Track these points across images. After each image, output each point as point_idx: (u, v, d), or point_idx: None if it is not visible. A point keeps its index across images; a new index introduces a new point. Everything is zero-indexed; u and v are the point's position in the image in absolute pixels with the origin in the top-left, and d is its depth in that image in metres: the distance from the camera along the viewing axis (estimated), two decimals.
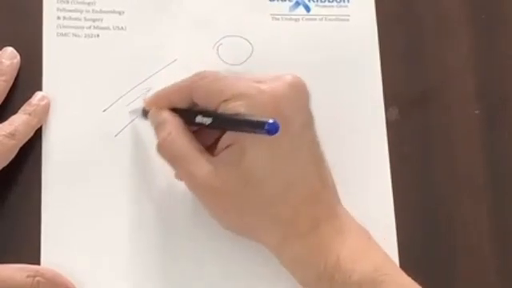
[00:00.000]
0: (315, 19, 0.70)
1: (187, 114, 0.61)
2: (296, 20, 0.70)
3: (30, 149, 0.64)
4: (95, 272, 0.63)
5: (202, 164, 0.58)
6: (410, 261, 0.63)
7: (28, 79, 0.66)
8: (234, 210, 0.59)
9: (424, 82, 0.70)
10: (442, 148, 0.68)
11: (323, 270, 0.57)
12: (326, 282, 0.57)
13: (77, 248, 0.63)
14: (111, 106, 0.66)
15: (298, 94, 0.59)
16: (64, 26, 0.67)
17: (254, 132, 0.55)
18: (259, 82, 0.58)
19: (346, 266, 0.56)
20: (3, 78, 0.65)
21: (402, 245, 0.65)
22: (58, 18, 0.67)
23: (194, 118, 0.60)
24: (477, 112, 0.69)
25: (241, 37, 0.69)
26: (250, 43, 0.69)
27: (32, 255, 0.62)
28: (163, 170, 0.63)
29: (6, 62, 0.65)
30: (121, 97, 0.66)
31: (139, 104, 0.65)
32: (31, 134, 0.64)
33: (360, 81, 0.69)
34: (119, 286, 0.63)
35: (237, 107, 0.57)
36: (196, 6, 0.69)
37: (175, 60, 0.67)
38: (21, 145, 0.63)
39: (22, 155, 0.63)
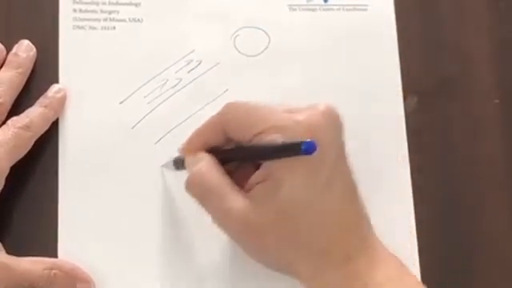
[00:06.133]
0: (333, 9, 0.70)
1: (221, 152, 0.59)
2: (313, 10, 0.69)
3: (47, 141, 0.64)
4: (113, 264, 0.62)
5: (236, 198, 0.56)
6: (428, 250, 0.62)
7: (44, 72, 0.66)
8: (271, 245, 0.57)
9: (443, 70, 0.69)
10: (462, 137, 0.68)
11: None
12: None
13: (94, 240, 0.63)
14: (128, 98, 0.66)
15: (333, 123, 0.57)
16: (80, 19, 0.67)
17: (292, 155, 0.54)
18: (292, 112, 0.57)
19: None
20: (19, 70, 0.65)
21: (421, 237, 0.65)
22: (74, 10, 0.67)
23: (228, 154, 0.59)
24: (496, 101, 0.69)
25: (258, 28, 0.68)
26: (267, 34, 0.68)
27: (49, 248, 0.62)
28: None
29: (23, 55, 0.65)
30: (138, 89, 0.66)
31: (170, 156, 0.63)
32: (47, 126, 0.64)
33: (378, 70, 0.68)
34: (138, 278, 0.63)
35: (272, 140, 0.55)
36: None
37: (193, 51, 0.67)
38: (37, 137, 0.63)
39: (39, 148, 0.63)
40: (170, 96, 0.66)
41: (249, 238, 0.58)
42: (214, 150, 0.59)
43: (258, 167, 0.57)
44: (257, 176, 0.57)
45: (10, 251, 0.60)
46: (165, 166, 0.64)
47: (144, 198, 0.64)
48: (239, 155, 0.59)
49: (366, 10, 0.70)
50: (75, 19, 0.67)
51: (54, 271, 0.60)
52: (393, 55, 0.69)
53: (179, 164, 0.62)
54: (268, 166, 0.56)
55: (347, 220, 0.57)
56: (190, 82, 0.67)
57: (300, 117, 0.56)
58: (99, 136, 0.65)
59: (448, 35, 0.70)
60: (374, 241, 0.58)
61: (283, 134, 0.55)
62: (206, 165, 0.58)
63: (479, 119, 0.69)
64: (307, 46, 0.68)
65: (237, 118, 0.58)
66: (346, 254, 0.56)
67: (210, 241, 0.63)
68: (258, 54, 0.68)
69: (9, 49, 0.65)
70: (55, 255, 0.62)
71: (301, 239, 0.56)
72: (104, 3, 0.68)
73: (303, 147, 0.52)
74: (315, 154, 0.52)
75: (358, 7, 0.70)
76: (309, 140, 0.52)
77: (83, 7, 0.67)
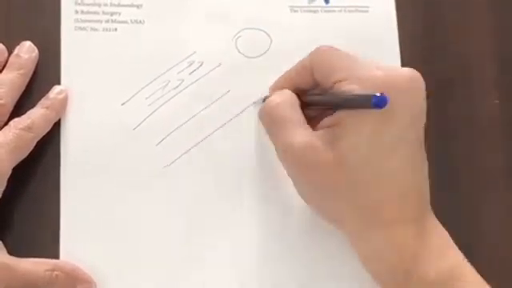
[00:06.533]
0: (334, 10, 0.70)
1: (302, 95, 0.61)
2: (315, 12, 0.69)
3: (49, 142, 0.64)
4: (114, 265, 0.62)
5: (301, 134, 0.58)
6: None
7: (46, 73, 0.66)
8: (322, 189, 0.58)
9: (443, 71, 0.69)
10: (462, 138, 0.68)
11: (399, 267, 0.56)
12: (401, 276, 0.56)
13: (96, 241, 0.63)
14: (130, 99, 0.66)
15: (413, 88, 0.57)
16: (82, 20, 0.67)
17: (362, 107, 0.55)
18: (377, 68, 0.57)
19: (424, 265, 0.56)
20: (21, 71, 0.65)
21: None
22: (76, 11, 0.67)
23: (307, 98, 0.60)
24: (496, 102, 0.69)
25: (259, 29, 0.68)
26: (269, 35, 0.68)
27: (51, 249, 0.62)
28: (182, 162, 0.64)
29: (24, 56, 0.65)
30: (139, 90, 0.66)
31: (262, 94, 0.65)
32: (49, 127, 0.64)
33: None
34: (139, 278, 0.63)
35: (350, 90, 0.56)
36: None
37: (194, 52, 0.67)
38: (38, 138, 0.63)
39: (41, 149, 0.63)
40: (172, 97, 0.66)
41: (301, 174, 0.59)
42: (298, 93, 0.61)
43: None
44: (327, 121, 0.58)
45: (12, 252, 0.61)
46: (256, 103, 0.65)
47: (145, 199, 0.64)
48: (315, 100, 0.60)
49: (367, 11, 0.70)
50: (77, 20, 0.67)
51: (55, 272, 0.60)
52: (394, 56, 0.69)
53: None
54: (339, 113, 0.57)
55: (402, 186, 0.57)
56: (192, 84, 0.67)
57: (380, 73, 0.56)
58: (101, 137, 0.65)
59: (449, 36, 0.70)
60: (426, 213, 0.59)
61: (361, 85, 0.56)
62: (283, 97, 0.60)
63: (479, 120, 0.68)
64: (308, 47, 0.67)
65: (324, 61, 0.59)
66: (394, 217, 0.57)
67: (211, 242, 0.64)
68: (260, 55, 0.68)
69: (10, 50, 0.66)
70: (57, 256, 0.62)
71: (351, 193, 0.57)
72: (106, 5, 0.68)
73: (374, 100, 0.52)
74: (387, 112, 0.53)
75: (359, 9, 0.70)
76: (380, 94, 0.52)
77: (85, 9, 0.67)
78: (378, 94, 0.52)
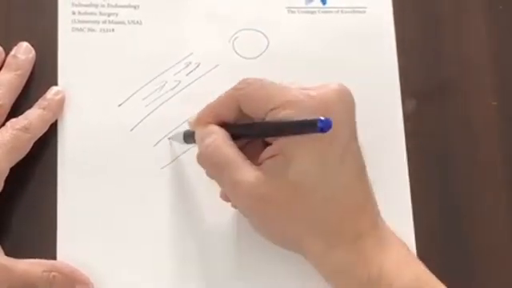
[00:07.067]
0: (331, 12, 0.70)
1: (233, 128, 0.59)
2: (312, 13, 0.69)
3: (46, 143, 0.64)
4: (112, 266, 0.62)
5: (248, 171, 0.57)
6: (427, 256, 0.62)
7: (43, 74, 0.66)
8: (280, 219, 0.57)
9: (441, 73, 0.69)
10: (460, 140, 0.68)
11: (367, 281, 0.56)
12: None
13: (93, 242, 0.63)
14: (127, 100, 0.66)
15: (346, 102, 0.57)
16: (79, 21, 0.67)
17: (307, 132, 0.54)
18: (306, 89, 0.57)
19: (389, 276, 0.56)
20: (18, 72, 0.65)
21: (420, 240, 0.65)
22: (73, 12, 0.67)
23: (241, 130, 0.59)
24: (494, 103, 0.69)
25: (256, 30, 0.68)
26: (266, 36, 0.68)
27: (48, 249, 0.62)
28: (179, 163, 0.64)
29: (22, 57, 0.65)
30: (136, 91, 0.66)
31: (180, 129, 0.64)
32: (46, 128, 0.64)
33: (377, 73, 0.68)
34: (137, 279, 0.63)
35: (287, 115, 0.55)
36: (212, 0, 0.69)
37: (191, 53, 0.67)
38: (35, 139, 0.63)
39: (38, 149, 0.63)
40: (169, 98, 0.66)
41: (258, 211, 0.58)
42: (224, 125, 0.59)
43: (267, 144, 0.58)
44: (268, 151, 0.57)
45: (9, 253, 0.60)
46: (173, 138, 0.65)
47: (143, 200, 0.64)
48: (252, 131, 0.59)
49: (364, 12, 0.70)
50: (74, 21, 0.67)
51: (53, 273, 0.60)
52: (391, 58, 0.69)
53: (189, 137, 0.62)
54: (280, 142, 0.56)
55: (358, 199, 0.57)
56: (189, 85, 0.67)
57: (313, 93, 0.56)
58: (98, 138, 0.65)
59: (446, 38, 0.70)
60: (382, 223, 0.59)
61: (297, 109, 0.55)
62: (219, 138, 0.58)
63: (477, 121, 0.68)
64: (306, 48, 0.68)
65: (252, 92, 0.58)
66: (356, 232, 0.57)
67: (209, 241, 0.64)
68: (257, 56, 0.68)
69: (8, 51, 0.66)
70: (54, 257, 0.62)
71: (311, 215, 0.56)
72: (103, 5, 0.68)
73: (319, 125, 0.52)
74: (328, 132, 0.52)
75: (356, 10, 0.70)
76: (325, 118, 0.52)
77: (82, 9, 0.67)
78: (323, 118, 0.52)
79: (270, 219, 0.58)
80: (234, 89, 0.59)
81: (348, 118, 0.57)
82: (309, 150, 0.55)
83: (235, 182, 0.57)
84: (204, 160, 0.59)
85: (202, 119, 0.60)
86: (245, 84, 0.58)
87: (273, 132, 0.57)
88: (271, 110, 0.56)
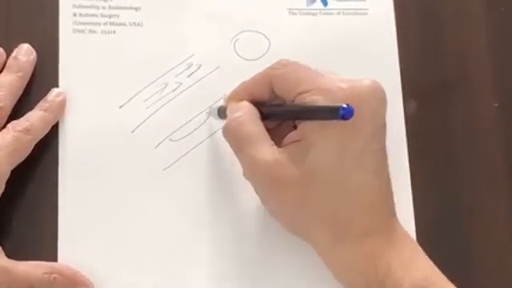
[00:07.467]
0: (333, 13, 0.70)
1: (264, 107, 0.60)
2: (313, 14, 0.69)
3: (47, 145, 0.64)
4: (112, 267, 0.62)
5: (267, 151, 0.57)
6: (427, 256, 0.62)
7: (44, 76, 0.66)
8: (291, 204, 0.58)
9: (442, 74, 0.69)
10: (461, 141, 0.68)
11: (374, 278, 0.56)
12: (376, 286, 0.56)
13: (94, 244, 0.63)
14: (128, 102, 0.66)
15: (377, 99, 0.57)
16: (80, 23, 0.67)
17: (329, 118, 0.54)
18: (340, 80, 0.57)
19: (397, 274, 0.56)
20: (19, 74, 0.65)
21: (420, 240, 0.64)
22: (74, 14, 0.67)
23: (269, 110, 0.60)
24: (496, 105, 0.69)
25: (258, 32, 0.68)
26: (267, 38, 0.68)
27: (49, 251, 0.62)
28: (180, 165, 0.64)
29: (23, 59, 0.65)
30: (138, 93, 0.66)
31: (216, 104, 0.65)
32: (47, 129, 0.64)
33: (378, 74, 0.67)
34: (137, 281, 0.63)
35: (313, 100, 0.56)
36: (213, 1, 0.69)
37: (193, 55, 0.67)
38: (37, 140, 0.63)
39: (39, 151, 0.63)
40: (170, 100, 0.66)
41: (270, 191, 0.59)
42: (256, 104, 0.60)
43: (295, 128, 0.58)
44: (292, 135, 0.58)
45: (10, 254, 0.60)
46: (210, 112, 0.65)
47: (143, 201, 0.64)
48: (279, 112, 0.60)
49: (366, 14, 0.70)
50: (75, 23, 0.67)
51: (53, 275, 0.60)
52: (393, 59, 0.69)
53: (223, 112, 0.63)
54: (304, 127, 0.57)
55: (371, 198, 0.57)
56: (190, 86, 0.67)
57: (345, 85, 0.56)
58: (99, 140, 0.65)
59: (448, 39, 0.70)
60: (394, 222, 0.59)
61: (325, 96, 0.56)
62: (246, 114, 0.59)
63: (478, 122, 0.68)
64: (307, 49, 0.68)
65: (285, 73, 0.59)
66: (364, 230, 0.57)
67: (210, 244, 0.63)
68: (258, 57, 0.68)
69: (8, 52, 0.66)
70: (55, 259, 0.62)
71: (321, 206, 0.57)
72: (104, 7, 0.68)
73: (341, 111, 0.52)
74: (352, 123, 0.53)
75: (357, 11, 0.70)
76: (347, 105, 0.52)
77: (83, 11, 0.67)
78: (345, 105, 0.52)
79: (281, 201, 0.58)
80: (270, 68, 0.60)
81: (375, 115, 0.57)
82: (329, 138, 0.56)
83: (253, 160, 0.58)
84: (228, 133, 0.60)
85: (236, 95, 0.62)
86: (280, 65, 0.59)
87: (296, 115, 0.58)
88: (299, 93, 0.57)
